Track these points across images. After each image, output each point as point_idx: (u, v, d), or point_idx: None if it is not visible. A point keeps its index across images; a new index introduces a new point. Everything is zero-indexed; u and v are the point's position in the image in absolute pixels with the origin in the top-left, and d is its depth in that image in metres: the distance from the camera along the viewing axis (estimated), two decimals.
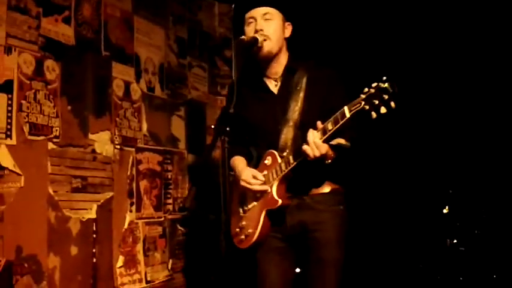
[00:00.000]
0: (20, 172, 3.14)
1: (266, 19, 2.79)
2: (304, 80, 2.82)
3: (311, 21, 4.41)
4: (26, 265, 3.15)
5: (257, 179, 2.82)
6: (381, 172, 5.13)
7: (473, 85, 5.00)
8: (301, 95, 2.81)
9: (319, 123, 2.56)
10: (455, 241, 4.71)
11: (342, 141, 2.68)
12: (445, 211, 4.83)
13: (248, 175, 2.84)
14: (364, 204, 5.09)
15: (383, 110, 2.33)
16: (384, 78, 2.35)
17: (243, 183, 2.84)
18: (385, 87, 2.32)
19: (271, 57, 2.85)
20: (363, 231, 5.03)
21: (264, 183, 2.81)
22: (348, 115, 2.43)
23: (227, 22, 5.19)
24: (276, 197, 2.77)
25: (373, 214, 5.15)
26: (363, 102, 2.37)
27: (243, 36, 2.75)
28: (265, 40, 2.76)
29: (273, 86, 2.91)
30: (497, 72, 4.87)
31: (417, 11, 4.97)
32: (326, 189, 2.86)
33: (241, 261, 2.92)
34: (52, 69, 3.40)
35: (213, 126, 2.69)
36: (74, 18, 3.58)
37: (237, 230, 2.96)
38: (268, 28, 2.78)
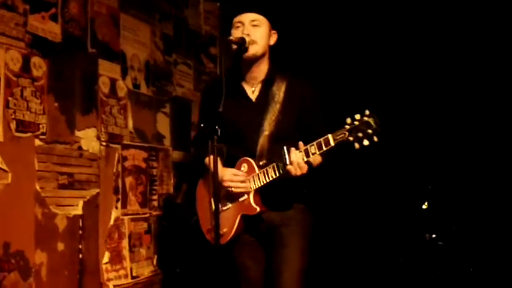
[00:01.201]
0: (7, 169, 3.15)
1: (254, 25, 2.86)
2: (282, 91, 2.92)
3: (295, 31, 4.45)
4: (13, 261, 3.17)
5: (238, 176, 2.90)
6: (361, 169, 5.20)
7: (450, 81, 5.09)
8: (278, 106, 2.90)
9: (301, 144, 2.67)
10: (434, 236, 4.81)
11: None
12: (424, 207, 4.92)
13: (230, 176, 2.90)
14: (344, 200, 5.17)
15: (366, 143, 2.48)
16: (367, 112, 2.50)
17: (226, 184, 2.88)
18: (369, 121, 2.48)
19: (254, 61, 2.92)
20: (344, 227, 5.11)
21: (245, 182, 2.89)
22: (332, 144, 2.57)
23: (213, 20, 5.23)
24: (254, 204, 2.88)
25: (354, 210, 5.24)
26: (347, 133, 2.51)
27: (231, 37, 2.80)
28: (251, 44, 2.83)
29: (251, 93, 2.99)
30: (474, 65, 4.96)
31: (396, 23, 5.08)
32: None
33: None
34: (39, 66, 3.41)
35: (202, 125, 2.74)
36: (60, 15, 3.59)
37: (210, 227, 3.01)
38: (255, 33, 2.85)
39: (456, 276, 4.55)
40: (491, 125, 4.90)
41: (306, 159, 2.66)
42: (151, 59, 4.44)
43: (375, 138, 2.48)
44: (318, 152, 2.61)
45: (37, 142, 3.37)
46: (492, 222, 4.66)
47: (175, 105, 4.67)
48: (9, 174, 3.17)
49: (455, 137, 5.01)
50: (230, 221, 2.93)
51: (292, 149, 2.68)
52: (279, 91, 2.91)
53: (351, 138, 2.51)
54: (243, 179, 2.88)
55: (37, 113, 3.37)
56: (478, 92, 4.95)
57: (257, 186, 2.85)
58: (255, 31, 2.85)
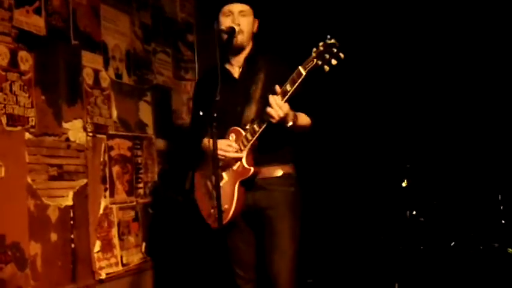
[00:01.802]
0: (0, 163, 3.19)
1: (242, 15, 3.06)
2: (264, 67, 3.10)
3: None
4: (9, 253, 3.21)
5: (231, 147, 3.00)
6: (341, 149, 5.33)
7: (428, 60, 5.23)
8: (261, 79, 3.07)
9: (277, 88, 2.79)
10: (414, 212, 4.96)
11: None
12: (403, 184, 5.07)
13: (223, 144, 2.98)
14: (325, 180, 5.29)
15: (334, 62, 2.64)
16: (328, 36, 2.67)
17: (219, 153, 2.94)
18: (332, 42, 2.65)
19: (241, 48, 3.11)
20: (325, 206, 5.24)
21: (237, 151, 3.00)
22: (303, 73, 2.71)
23: (189, 7, 5.27)
24: (247, 166, 2.97)
25: (334, 189, 5.36)
26: (316, 59, 2.67)
27: (222, 27, 3.01)
28: (239, 33, 3.02)
29: (234, 72, 3.16)
30: (454, 51, 5.11)
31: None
32: (278, 173, 3.08)
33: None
34: (26, 60, 3.43)
35: (201, 113, 2.83)
36: (44, 8, 3.61)
37: (212, 210, 3.09)
38: (244, 23, 3.05)
39: (438, 251, 4.71)
40: (467, 103, 5.06)
41: (284, 99, 2.77)
42: (132, 49, 4.47)
43: (341, 55, 2.64)
44: (293, 87, 2.74)
45: (27, 135, 3.40)
46: (471, 196, 4.83)
47: (156, 94, 4.72)
48: (2, 168, 3.20)
49: (431, 115, 5.16)
50: (229, 195, 2.99)
51: (270, 95, 2.80)
52: (261, 68, 3.09)
53: (319, 62, 2.66)
54: (235, 148, 2.98)
55: (26, 106, 3.40)
56: (453, 72, 5.09)
57: (247, 146, 2.97)
58: (243, 20, 3.06)
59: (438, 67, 5.17)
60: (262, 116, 2.87)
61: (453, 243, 4.74)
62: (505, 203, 4.68)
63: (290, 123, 2.85)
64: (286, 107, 2.79)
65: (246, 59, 3.15)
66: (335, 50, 2.64)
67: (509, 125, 4.83)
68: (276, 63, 3.11)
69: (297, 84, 2.74)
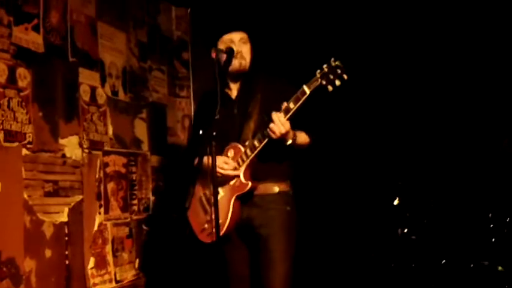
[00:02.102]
0: None
1: (243, 42, 3.13)
2: (261, 86, 3.15)
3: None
4: (5, 269, 3.22)
5: (228, 164, 3.02)
6: (335, 166, 5.38)
7: (417, 81, 5.31)
8: (258, 96, 3.12)
9: (284, 104, 2.83)
10: (406, 230, 5.00)
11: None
12: (395, 202, 5.11)
13: (219, 161, 3.00)
14: (318, 197, 5.33)
15: (338, 82, 2.74)
16: (332, 59, 2.75)
17: (217, 170, 2.96)
18: (337, 64, 2.75)
19: (241, 74, 3.16)
20: (318, 223, 5.27)
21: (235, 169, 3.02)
22: (307, 92, 2.78)
23: (184, 25, 5.32)
24: (244, 180, 3.00)
25: (327, 206, 5.40)
26: (320, 79, 2.75)
27: (221, 47, 3.05)
28: (241, 59, 3.10)
29: (233, 95, 3.22)
30: (442, 68, 5.18)
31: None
32: (275, 190, 3.10)
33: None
34: (24, 76, 3.47)
35: (201, 132, 2.86)
36: (42, 26, 3.65)
37: (205, 226, 3.12)
38: (245, 50, 3.13)
39: (429, 269, 4.74)
40: (458, 123, 5.13)
41: (286, 116, 2.82)
42: (128, 66, 4.51)
43: (345, 77, 2.74)
44: (296, 105, 2.80)
45: (24, 151, 3.42)
46: (462, 214, 4.88)
47: (151, 111, 4.76)
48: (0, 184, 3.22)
49: (423, 135, 5.22)
50: (224, 209, 2.99)
51: (273, 112, 2.84)
52: (258, 86, 3.15)
53: (324, 82, 2.75)
54: (233, 165, 3.00)
55: (23, 122, 3.43)
56: (443, 90, 5.17)
57: (246, 162, 2.99)
58: (244, 48, 3.13)
59: (427, 89, 5.24)
60: (262, 132, 2.91)
61: (444, 261, 4.77)
62: (495, 221, 4.72)
63: (290, 142, 2.89)
64: (287, 125, 2.83)
65: (243, 80, 3.20)
66: (339, 72, 2.73)
67: (498, 144, 4.90)
68: (272, 83, 3.16)
69: (300, 102, 2.80)
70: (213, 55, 3.03)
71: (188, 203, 3.16)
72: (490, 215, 4.79)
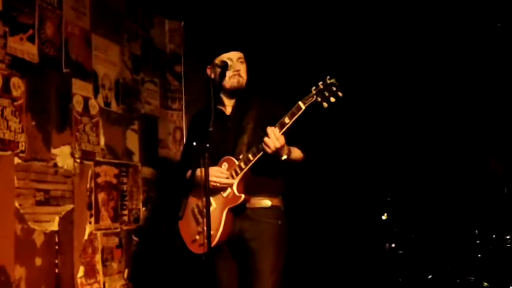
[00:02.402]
0: None
1: (240, 62, 3.22)
2: (256, 103, 3.23)
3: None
4: None
5: (223, 173, 3.07)
6: (325, 182, 5.44)
7: (405, 100, 5.40)
8: (253, 113, 3.19)
9: (283, 118, 2.89)
10: (393, 245, 5.06)
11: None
12: (383, 217, 5.17)
13: (214, 171, 3.04)
14: (308, 211, 5.39)
15: (332, 99, 2.80)
16: (328, 76, 2.82)
17: (211, 179, 3.00)
18: (332, 81, 2.81)
19: (238, 91, 3.23)
20: (308, 237, 5.32)
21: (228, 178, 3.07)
22: (303, 107, 2.84)
23: (177, 39, 5.38)
24: (237, 193, 3.04)
25: (317, 221, 5.45)
26: (315, 96, 2.81)
27: (216, 61, 3.13)
28: (240, 77, 3.19)
29: (227, 111, 3.28)
30: (431, 90, 5.28)
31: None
32: (267, 204, 3.15)
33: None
34: (18, 86, 3.51)
35: (194, 144, 2.91)
36: (37, 36, 3.70)
37: (197, 237, 3.15)
38: (242, 69, 3.22)
39: (416, 283, 4.79)
40: (446, 141, 5.22)
41: (281, 131, 2.87)
42: (121, 78, 4.57)
43: (340, 94, 2.80)
44: (291, 120, 2.86)
45: (16, 160, 3.46)
46: (448, 230, 4.94)
47: (143, 122, 4.80)
48: None
49: (411, 151, 5.30)
50: (216, 221, 3.04)
51: (268, 126, 2.90)
52: (252, 105, 3.21)
53: (319, 99, 2.81)
54: (227, 175, 3.05)
55: (16, 131, 3.47)
56: (430, 109, 5.26)
57: (239, 175, 3.03)
58: (242, 67, 3.23)
59: (416, 106, 5.34)
60: (256, 146, 2.96)
61: (430, 276, 4.82)
62: (481, 237, 4.78)
63: (284, 157, 2.94)
64: (282, 140, 2.89)
65: (238, 96, 3.26)
66: (334, 89, 2.79)
67: (485, 162, 4.98)
68: (267, 101, 3.25)
69: (295, 117, 2.86)
70: (208, 72, 3.11)
71: (182, 212, 3.18)
72: (476, 231, 4.85)
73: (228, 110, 3.27)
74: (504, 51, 5.23)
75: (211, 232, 2.99)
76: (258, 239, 3.09)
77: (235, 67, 3.17)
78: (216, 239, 3.03)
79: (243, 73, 3.22)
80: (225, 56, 3.19)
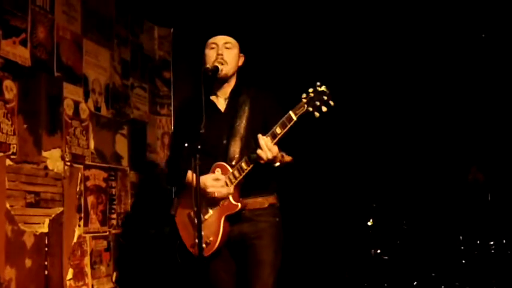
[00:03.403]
0: None
1: (227, 47, 3.15)
2: (248, 101, 3.21)
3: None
4: None
5: (219, 180, 3.07)
6: (310, 188, 5.50)
7: (390, 108, 5.50)
8: (246, 113, 3.18)
9: (276, 128, 2.89)
10: (379, 251, 5.12)
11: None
12: (369, 223, 5.24)
13: (209, 180, 3.06)
14: (294, 217, 5.43)
15: (324, 109, 2.77)
16: (318, 83, 2.79)
17: (209, 190, 3.04)
18: (323, 89, 2.77)
19: (225, 80, 3.20)
20: (294, 243, 5.35)
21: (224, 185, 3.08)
22: (294, 118, 2.83)
23: (166, 45, 5.44)
24: (234, 202, 3.06)
25: (302, 227, 5.50)
26: (306, 105, 2.78)
27: (207, 65, 3.09)
28: (223, 64, 3.11)
29: (221, 104, 3.25)
30: (416, 99, 5.38)
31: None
32: (264, 204, 3.19)
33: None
34: (10, 89, 3.54)
35: (186, 145, 2.92)
36: (30, 40, 3.73)
37: (193, 242, 3.19)
38: (228, 55, 3.15)
39: None
40: (430, 149, 5.31)
41: (273, 141, 2.88)
42: (111, 83, 4.61)
43: (331, 103, 2.76)
44: (283, 131, 2.85)
45: (7, 162, 3.48)
46: (434, 236, 5.02)
47: (132, 127, 4.85)
48: None
49: (397, 159, 5.38)
50: (214, 228, 3.07)
51: (259, 135, 2.90)
52: (246, 101, 3.20)
53: (310, 109, 2.78)
54: (223, 183, 3.06)
55: (8, 133, 3.50)
56: (416, 116, 5.35)
57: (234, 183, 3.04)
58: (227, 52, 3.16)
59: (402, 114, 5.43)
60: (249, 153, 2.97)
61: (416, 282, 4.89)
62: (465, 243, 4.87)
63: (277, 164, 2.97)
64: (275, 150, 2.90)
65: (231, 93, 3.24)
66: (325, 98, 2.76)
67: (468, 168, 5.07)
68: (261, 97, 3.23)
69: (286, 128, 2.85)
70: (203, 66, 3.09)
71: (174, 211, 3.22)
72: (460, 237, 4.93)
73: (221, 103, 3.23)
74: (485, 62, 5.34)
75: (210, 238, 3.04)
76: (259, 237, 3.12)
77: (219, 51, 3.12)
78: (215, 246, 3.06)
79: (228, 58, 3.14)
80: (211, 41, 3.16)
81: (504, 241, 4.72)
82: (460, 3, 4.96)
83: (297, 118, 2.82)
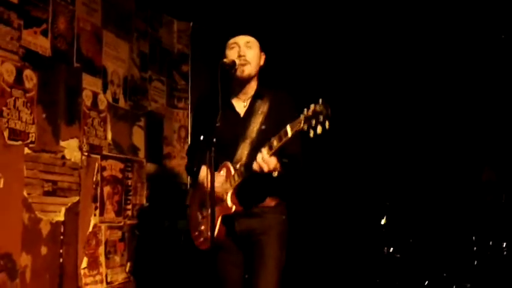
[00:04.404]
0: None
1: (248, 47, 3.13)
2: (267, 105, 3.19)
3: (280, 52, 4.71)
4: (1, 263, 3.33)
5: (219, 182, 3.10)
6: (325, 186, 5.52)
7: (404, 104, 5.50)
8: (261, 118, 3.17)
9: (274, 140, 2.89)
10: (391, 249, 5.13)
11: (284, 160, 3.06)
12: (382, 222, 5.25)
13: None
14: (308, 215, 5.46)
15: (319, 130, 2.68)
16: (320, 100, 2.71)
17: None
18: (322, 109, 2.67)
19: (248, 80, 3.19)
20: (307, 241, 5.39)
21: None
22: (289, 134, 2.80)
23: (185, 39, 5.47)
24: (230, 204, 3.11)
25: (315, 225, 5.53)
26: (302, 123, 2.73)
27: (224, 60, 3.08)
28: (245, 64, 3.11)
29: (240, 107, 3.25)
30: (429, 96, 5.38)
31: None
32: (272, 203, 3.22)
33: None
34: (30, 78, 3.60)
35: (202, 138, 2.94)
36: (50, 31, 3.78)
37: (196, 233, 3.27)
38: (250, 54, 3.13)
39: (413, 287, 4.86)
40: (444, 147, 5.30)
41: (270, 152, 2.88)
42: (129, 75, 4.65)
43: (327, 125, 2.68)
44: (279, 143, 2.84)
45: (26, 150, 3.54)
46: (446, 236, 5.02)
47: (149, 119, 4.89)
48: (1, 180, 3.33)
49: (411, 157, 5.38)
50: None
51: (262, 149, 2.91)
52: (265, 105, 3.19)
53: (305, 127, 2.73)
54: (222, 181, 3.11)
55: (27, 122, 3.55)
56: (431, 113, 5.35)
57: (233, 186, 3.09)
58: (249, 52, 3.13)
59: (414, 113, 5.43)
60: (249, 164, 2.98)
61: (427, 282, 4.89)
62: (478, 244, 4.86)
63: (275, 174, 2.99)
64: (272, 162, 2.92)
65: (253, 97, 3.23)
66: (321, 118, 2.67)
67: (481, 167, 5.06)
68: (279, 100, 3.20)
69: (282, 142, 2.84)
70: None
71: (188, 201, 3.26)
72: (473, 238, 4.92)
73: (241, 106, 3.23)
74: (494, 62, 5.33)
75: (209, 233, 3.07)
76: (266, 233, 3.15)
77: (240, 52, 3.10)
78: (210, 243, 3.09)
79: (251, 58, 3.11)
80: (231, 41, 3.14)
81: None
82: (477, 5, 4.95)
83: (292, 134, 2.79)
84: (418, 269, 4.96)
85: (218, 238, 3.11)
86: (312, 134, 2.69)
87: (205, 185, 2.93)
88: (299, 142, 3.07)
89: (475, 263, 4.88)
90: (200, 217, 3.26)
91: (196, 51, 5.52)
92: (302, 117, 2.73)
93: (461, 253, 4.94)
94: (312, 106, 2.70)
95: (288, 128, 2.79)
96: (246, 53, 3.12)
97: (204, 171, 3.17)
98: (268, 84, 3.29)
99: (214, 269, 3.26)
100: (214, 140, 2.74)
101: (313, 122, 2.67)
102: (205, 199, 3.18)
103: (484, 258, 4.86)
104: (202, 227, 3.23)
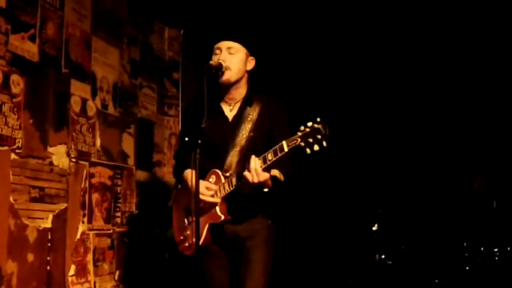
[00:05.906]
0: None
1: (230, 53, 3.12)
2: (256, 111, 3.18)
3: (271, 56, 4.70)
4: None
5: (210, 189, 3.10)
6: (316, 193, 5.49)
7: (397, 113, 5.50)
8: (250, 125, 3.16)
9: (269, 153, 2.87)
10: (383, 256, 5.11)
11: (277, 173, 3.05)
12: (374, 228, 5.23)
13: (203, 189, 3.08)
14: (299, 222, 5.43)
15: (316, 147, 2.69)
16: (318, 119, 2.71)
17: (200, 197, 3.06)
18: (319, 128, 2.69)
19: (229, 85, 3.18)
20: (299, 248, 5.36)
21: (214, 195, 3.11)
22: (285, 149, 2.79)
23: (176, 46, 5.46)
24: (219, 213, 3.09)
25: (307, 231, 5.50)
26: (299, 140, 2.73)
27: (211, 62, 3.07)
28: (226, 69, 3.09)
29: (228, 111, 3.24)
30: (422, 105, 5.38)
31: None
32: (259, 209, 3.22)
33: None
34: (17, 83, 3.57)
35: (186, 139, 2.92)
36: (38, 36, 3.76)
37: (181, 238, 3.26)
38: (230, 60, 3.11)
39: None
40: (436, 155, 5.30)
41: (263, 165, 2.86)
42: (119, 81, 4.63)
43: (324, 144, 2.69)
44: (274, 158, 2.83)
45: (13, 156, 3.50)
46: (438, 242, 5.00)
47: (139, 126, 4.86)
48: None
49: (402, 164, 5.37)
50: (200, 229, 3.07)
51: (253, 156, 2.90)
52: (254, 111, 3.18)
53: (302, 144, 2.73)
54: (213, 192, 3.09)
55: (14, 128, 3.52)
56: (422, 122, 5.35)
57: (222, 195, 3.08)
58: (230, 58, 3.11)
59: (408, 120, 5.43)
60: (240, 174, 2.97)
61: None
62: (469, 250, 4.84)
63: (266, 190, 2.99)
64: (264, 176, 2.89)
65: (243, 102, 3.22)
66: (319, 137, 2.69)
67: (473, 175, 5.06)
68: (270, 106, 3.20)
69: (277, 157, 2.82)
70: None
71: (171, 202, 3.24)
72: (464, 244, 4.91)
73: (228, 111, 3.22)
74: (485, 71, 5.34)
75: (194, 240, 3.05)
76: (253, 237, 3.15)
77: (221, 57, 3.09)
78: (195, 248, 3.07)
79: (231, 64, 3.09)
80: (215, 46, 3.14)
81: (508, 248, 4.68)
82: (469, 10, 4.96)
83: (288, 150, 2.78)
84: (410, 275, 4.93)
85: (204, 245, 3.09)
86: (308, 151, 2.70)
87: (191, 188, 2.90)
88: (291, 162, 3.06)
89: (467, 268, 4.86)
90: (186, 222, 3.23)
91: (187, 59, 5.50)
92: (299, 133, 2.73)
93: (453, 259, 4.92)
94: (310, 124, 2.71)
95: (284, 144, 2.78)
96: (226, 58, 3.10)
97: (189, 174, 3.15)
98: (261, 89, 3.28)
99: (201, 275, 3.23)
100: (200, 141, 2.71)
101: (311, 139, 2.68)
102: (190, 205, 3.17)
103: (475, 264, 4.84)
104: (188, 232, 3.21)
